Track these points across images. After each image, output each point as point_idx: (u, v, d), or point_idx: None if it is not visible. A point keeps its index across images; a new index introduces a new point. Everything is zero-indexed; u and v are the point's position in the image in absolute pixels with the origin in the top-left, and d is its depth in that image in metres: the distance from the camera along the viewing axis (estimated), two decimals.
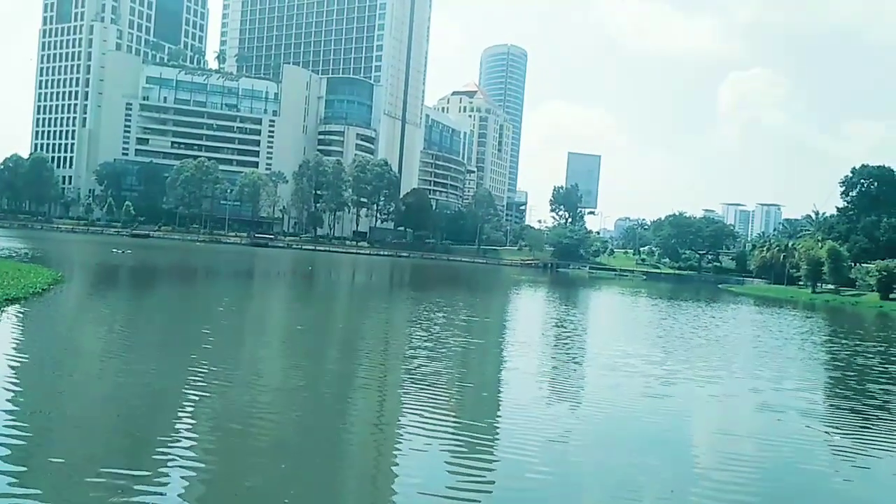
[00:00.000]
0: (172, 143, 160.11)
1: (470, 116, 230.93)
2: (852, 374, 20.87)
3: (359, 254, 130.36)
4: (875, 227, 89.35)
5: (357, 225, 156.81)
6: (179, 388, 12.74)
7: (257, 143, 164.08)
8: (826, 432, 13.17)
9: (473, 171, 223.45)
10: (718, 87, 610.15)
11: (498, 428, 11.79)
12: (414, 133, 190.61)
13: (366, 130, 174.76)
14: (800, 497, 9.36)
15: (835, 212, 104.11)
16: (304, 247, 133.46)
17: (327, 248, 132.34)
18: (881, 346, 30.69)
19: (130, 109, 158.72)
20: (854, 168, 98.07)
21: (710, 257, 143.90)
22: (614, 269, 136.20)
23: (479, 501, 8.16)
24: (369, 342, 21.93)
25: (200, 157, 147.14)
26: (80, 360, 15.14)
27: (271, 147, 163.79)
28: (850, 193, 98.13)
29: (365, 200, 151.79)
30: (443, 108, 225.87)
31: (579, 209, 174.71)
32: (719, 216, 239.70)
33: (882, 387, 18.69)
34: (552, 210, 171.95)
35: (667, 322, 37.04)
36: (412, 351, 18.84)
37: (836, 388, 18.82)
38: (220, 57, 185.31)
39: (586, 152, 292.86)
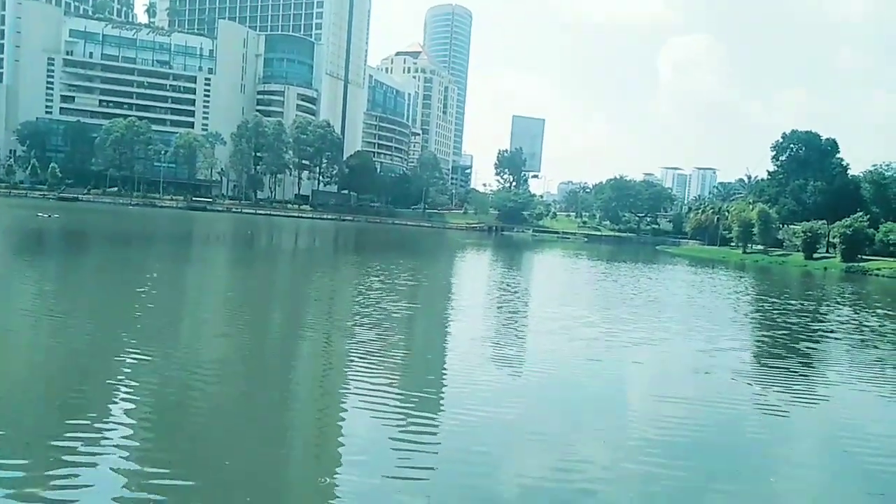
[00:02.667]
0: (100, 101, 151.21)
1: (414, 77, 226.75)
2: (783, 332, 21.74)
3: (301, 217, 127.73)
4: (802, 191, 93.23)
5: (299, 188, 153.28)
6: (109, 361, 12.05)
7: (192, 102, 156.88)
8: (749, 385, 13.76)
9: (418, 134, 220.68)
10: (659, 53, 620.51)
11: (442, 398, 11.65)
12: (357, 94, 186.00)
13: (307, 90, 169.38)
14: (734, 454, 9.60)
15: (766, 175, 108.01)
16: (243, 211, 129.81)
17: (268, 212, 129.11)
18: (809, 304, 32.19)
19: (53, 65, 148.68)
20: (784, 133, 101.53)
21: (648, 220, 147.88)
22: (557, 232, 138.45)
23: (428, 479, 8.00)
24: (310, 310, 21.44)
25: (131, 116, 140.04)
26: (4, 332, 14.18)
27: (207, 106, 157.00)
28: (780, 158, 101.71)
29: (307, 163, 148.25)
30: (386, 69, 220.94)
31: (523, 173, 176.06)
32: (658, 180, 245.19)
33: (812, 345, 19.57)
34: (497, 174, 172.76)
35: (606, 284, 37.83)
36: (354, 318, 18.50)
37: (768, 348, 19.55)
38: (150, 10, 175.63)
39: (530, 116, 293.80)
